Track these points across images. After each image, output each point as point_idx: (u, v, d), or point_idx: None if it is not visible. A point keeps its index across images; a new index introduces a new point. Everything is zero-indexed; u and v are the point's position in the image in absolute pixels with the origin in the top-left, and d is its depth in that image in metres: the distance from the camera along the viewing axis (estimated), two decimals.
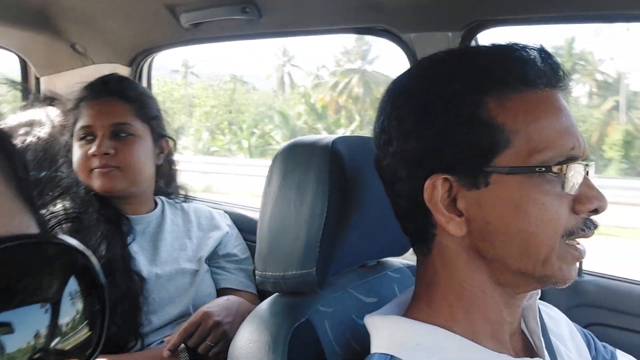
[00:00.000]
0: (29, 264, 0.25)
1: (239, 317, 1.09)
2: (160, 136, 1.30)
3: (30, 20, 1.56)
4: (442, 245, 0.61)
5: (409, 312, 0.65)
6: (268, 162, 0.85)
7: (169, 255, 1.27)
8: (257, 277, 0.81)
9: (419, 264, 0.66)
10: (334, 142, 0.78)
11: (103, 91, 1.25)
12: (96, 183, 1.18)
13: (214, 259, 1.35)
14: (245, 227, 1.46)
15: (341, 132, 17.83)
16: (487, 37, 0.97)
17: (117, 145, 1.19)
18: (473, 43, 1.14)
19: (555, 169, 0.56)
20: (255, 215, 1.45)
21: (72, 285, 0.26)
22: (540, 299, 0.70)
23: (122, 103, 1.23)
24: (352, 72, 25.79)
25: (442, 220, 0.59)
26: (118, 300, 1.12)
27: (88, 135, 1.21)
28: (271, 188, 0.80)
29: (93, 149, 1.18)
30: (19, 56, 1.87)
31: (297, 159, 0.80)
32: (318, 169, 0.76)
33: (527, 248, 0.57)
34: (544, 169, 0.56)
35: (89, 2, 1.46)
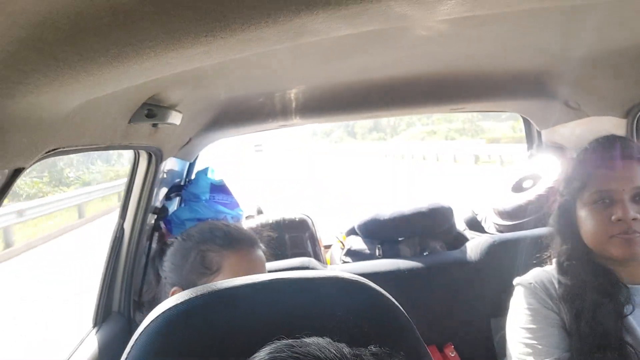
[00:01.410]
0: None
1: None
2: None
3: (531, 90, 1.81)
4: None
5: None
6: None
7: None
8: None
9: None
10: None
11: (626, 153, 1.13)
12: (617, 250, 1.09)
13: None
14: None
15: None
16: None
17: None
18: None
19: None
20: None
21: None
22: None
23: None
24: None
25: None
26: None
27: (605, 199, 1.11)
28: None
29: (618, 214, 1.08)
30: (522, 116, 2.19)
31: None
32: None
33: None
34: None
35: (580, 65, 1.54)
